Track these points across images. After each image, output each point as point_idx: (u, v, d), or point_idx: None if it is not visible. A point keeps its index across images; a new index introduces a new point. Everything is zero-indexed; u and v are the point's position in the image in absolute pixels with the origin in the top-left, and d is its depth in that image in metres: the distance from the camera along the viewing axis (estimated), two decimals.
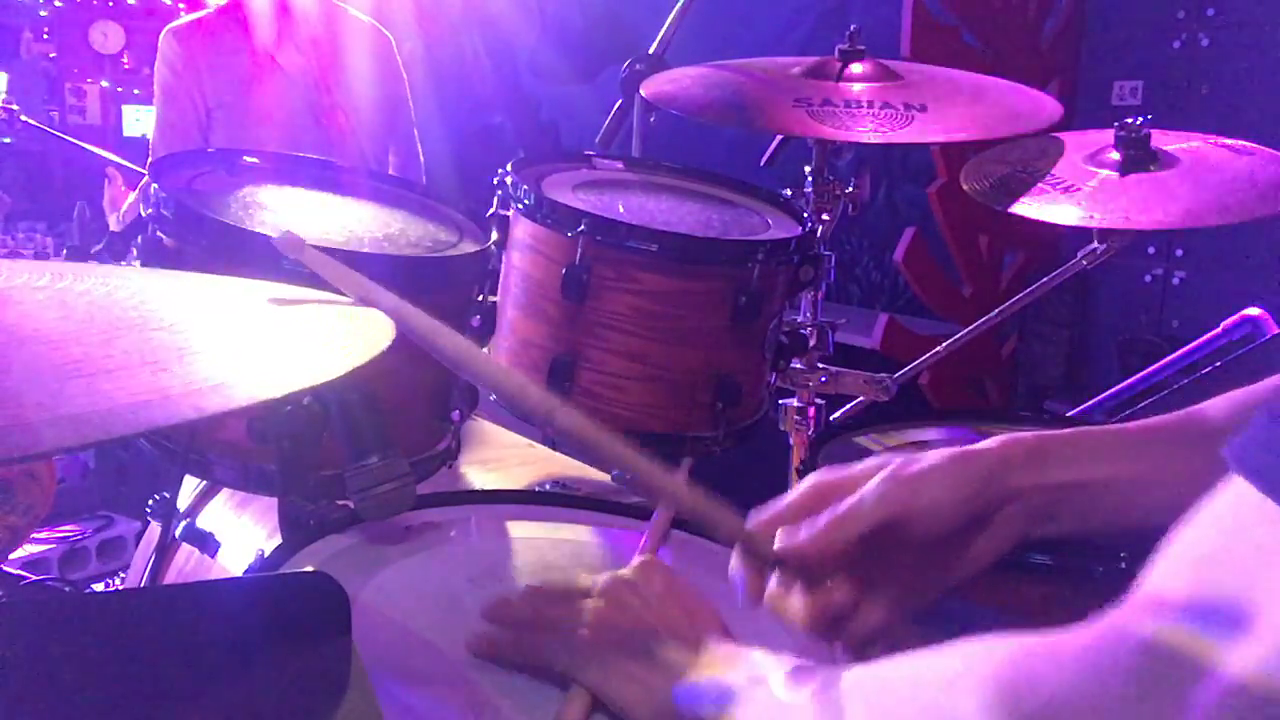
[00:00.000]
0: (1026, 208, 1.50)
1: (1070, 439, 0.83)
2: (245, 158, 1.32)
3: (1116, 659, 0.50)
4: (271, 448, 1.02)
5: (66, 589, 2.70)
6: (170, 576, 1.40)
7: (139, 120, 5.24)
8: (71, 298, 0.61)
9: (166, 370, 0.51)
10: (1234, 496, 0.50)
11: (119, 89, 5.25)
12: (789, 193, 1.55)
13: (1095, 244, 1.56)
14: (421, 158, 2.83)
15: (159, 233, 1.11)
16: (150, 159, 2.64)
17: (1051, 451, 0.81)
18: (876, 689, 0.64)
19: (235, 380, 0.51)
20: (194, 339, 0.58)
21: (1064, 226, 1.49)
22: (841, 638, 0.82)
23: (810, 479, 0.84)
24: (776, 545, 0.80)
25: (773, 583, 0.81)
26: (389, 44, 2.75)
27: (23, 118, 2.39)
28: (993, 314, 1.79)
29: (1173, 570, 0.52)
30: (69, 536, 2.93)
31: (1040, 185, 1.51)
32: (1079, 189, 1.48)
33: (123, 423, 0.44)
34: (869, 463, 0.83)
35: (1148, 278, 3.25)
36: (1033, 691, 0.53)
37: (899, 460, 0.81)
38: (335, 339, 0.63)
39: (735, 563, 0.82)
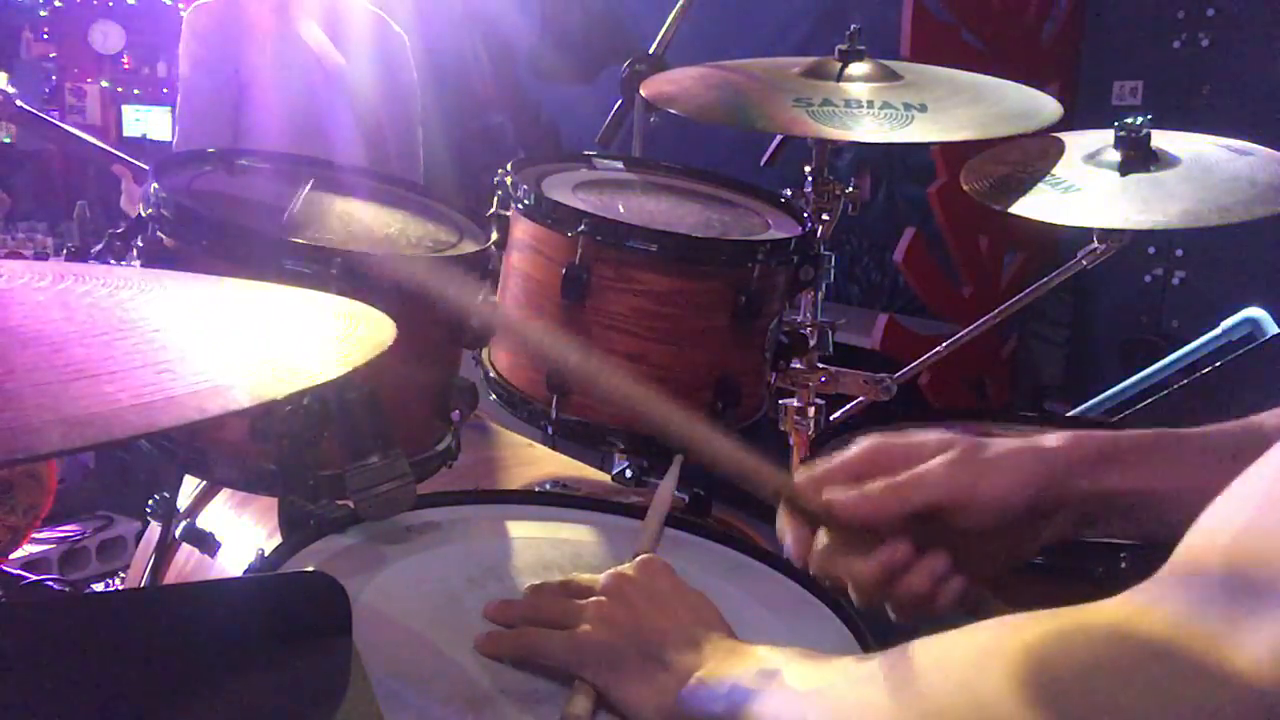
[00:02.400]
0: (1026, 208, 1.50)
1: (1137, 444, 0.81)
2: (245, 158, 1.32)
3: (1151, 630, 0.49)
4: (271, 448, 1.02)
5: (66, 589, 2.70)
6: (170, 576, 1.40)
7: (139, 120, 5.25)
8: (73, 299, 0.61)
9: (169, 371, 0.51)
10: (1273, 470, 0.49)
11: (119, 89, 5.25)
12: (789, 193, 1.55)
13: (1095, 244, 1.56)
14: (420, 160, 2.82)
15: (159, 233, 1.11)
16: (174, 139, 2.64)
17: (1117, 457, 0.79)
18: (902, 671, 0.62)
19: (238, 381, 0.51)
20: (196, 339, 0.58)
21: (1064, 226, 1.49)
22: (890, 598, 0.79)
23: (868, 442, 0.81)
24: (826, 500, 0.78)
25: (820, 540, 0.80)
26: (402, 40, 2.75)
27: (18, 103, 2.36)
28: (993, 314, 1.79)
29: (1208, 541, 0.50)
30: (69, 536, 2.92)
31: (1040, 185, 1.51)
32: (1079, 189, 1.48)
33: (126, 424, 0.44)
34: (930, 436, 0.80)
35: (1148, 278, 3.25)
36: (1065, 664, 0.52)
37: (966, 441, 0.79)
38: (337, 339, 0.62)
39: (781, 518, 0.80)
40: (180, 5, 5.11)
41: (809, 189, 1.59)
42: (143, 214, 1.13)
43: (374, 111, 2.67)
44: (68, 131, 2.43)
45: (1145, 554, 1.17)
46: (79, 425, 0.44)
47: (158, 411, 0.46)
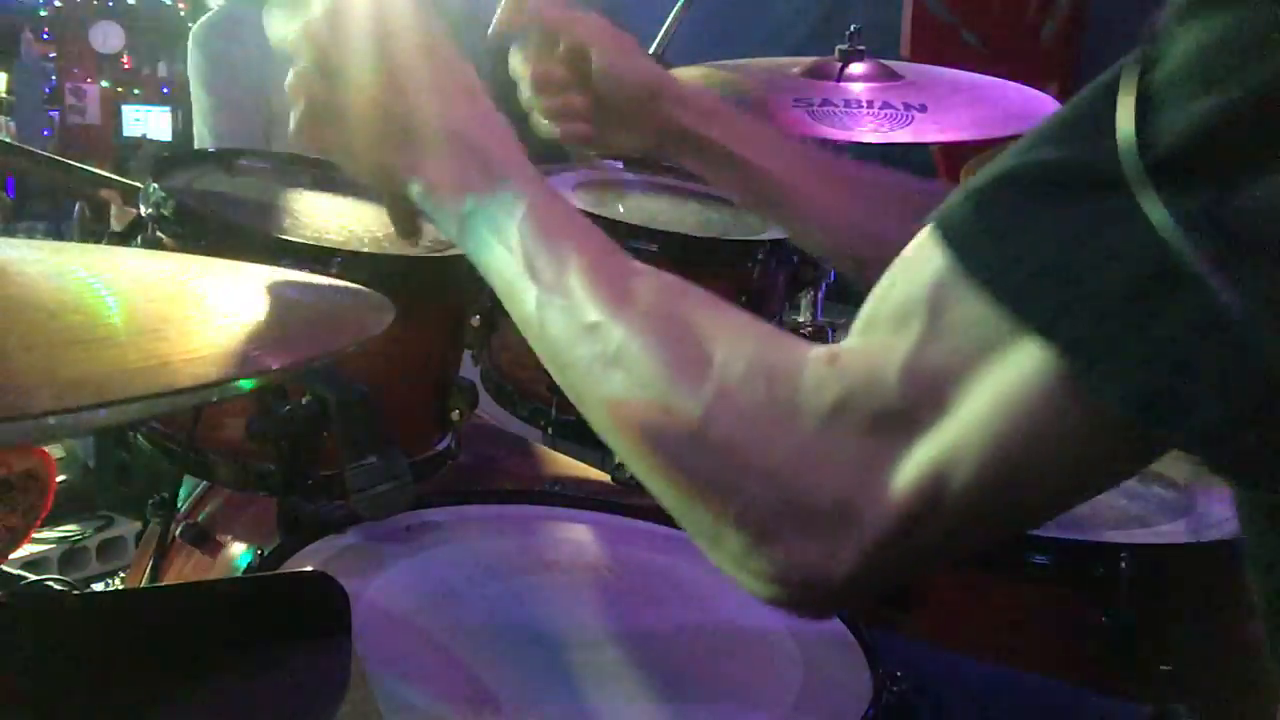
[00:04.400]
0: None
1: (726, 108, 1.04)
2: (245, 158, 1.32)
3: (824, 413, 0.51)
4: (271, 448, 1.02)
5: (66, 589, 2.70)
6: (170, 576, 1.40)
7: (139, 120, 5.24)
8: (69, 271, 0.60)
9: (165, 340, 0.50)
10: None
11: (119, 89, 5.25)
12: None
13: None
14: None
15: (159, 232, 1.11)
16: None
17: (702, 105, 1.02)
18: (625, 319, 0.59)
19: (236, 351, 0.51)
20: (193, 311, 0.57)
21: None
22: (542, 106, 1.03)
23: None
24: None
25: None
26: None
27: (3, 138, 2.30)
28: None
29: (886, 349, 0.52)
30: (69, 536, 2.92)
31: None
32: None
33: (120, 388, 0.43)
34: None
35: None
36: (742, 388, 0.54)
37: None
38: (333, 318, 0.62)
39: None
40: (180, 5, 5.11)
41: None
42: (142, 214, 1.13)
43: None
44: (49, 158, 2.35)
45: (1146, 554, 1.17)
46: (72, 387, 0.43)
47: (153, 376, 0.45)
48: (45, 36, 5.17)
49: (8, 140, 2.32)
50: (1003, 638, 1.15)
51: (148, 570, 1.42)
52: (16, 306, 0.52)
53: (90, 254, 0.65)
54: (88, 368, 0.45)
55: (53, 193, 4.78)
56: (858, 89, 1.51)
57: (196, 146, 2.52)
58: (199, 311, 0.57)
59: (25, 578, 2.47)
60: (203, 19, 2.51)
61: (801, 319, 1.54)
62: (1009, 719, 0.92)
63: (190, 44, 2.43)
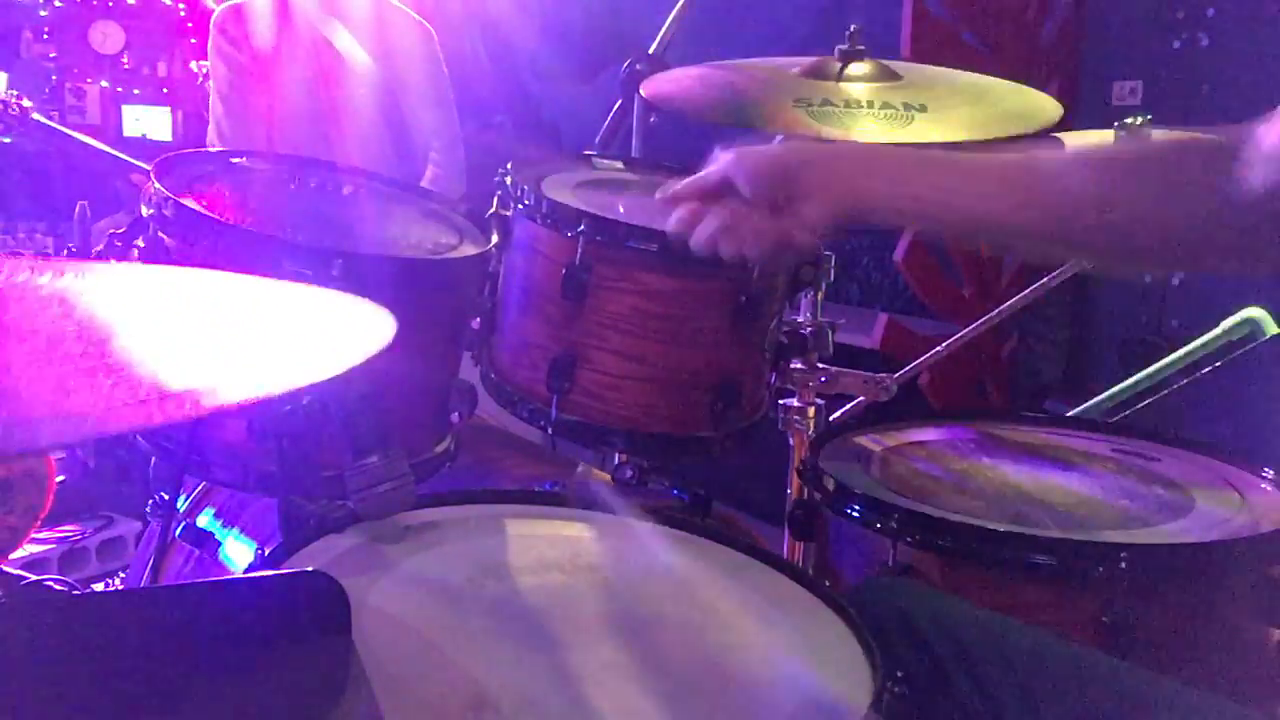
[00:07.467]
0: None
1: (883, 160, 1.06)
2: (245, 158, 1.32)
3: None
4: (271, 448, 1.02)
5: (66, 589, 2.70)
6: (170, 576, 1.40)
7: (139, 120, 5.24)
8: (72, 295, 0.61)
9: (166, 367, 0.51)
10: None
11: (119, 89, 5.25)
12: None
13: None
14: (461, 151, 2.79)
15: (160, 233, 1.11)
16: (212, 141, 2.62)
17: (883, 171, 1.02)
18: None
19: (235, 377, 0.51)
20: (193, 336, 0.58)
21: None
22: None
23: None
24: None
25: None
26: (428, 32, 2.73)
27: (35, 116, 2.31)
28: (993, 314, 1.79)
29: None
30: (69, 536, 2.92)
31: None
32: None
33: (122, 419, 0.44)
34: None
35: (1148, 278, 3.24)
36: None
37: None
38: (334, 337, 0.62)
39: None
40: (180, 5, 5.11)
41: None
42: (143, 214, 1.13)
43: (411, 109, 2.66)
44: (88, 144, 2.36)
45: (1146, 554, 1.17)
46: (75, 420, 0.43)
47: (153, 407, 0.46)
48: (45, 36, 5.17)
49: (39, 117, 2.32)
50: None
51: (148, 570, 1.42)
52: (19, 336, 0.53)
53: (91, 276, 0.65)
54: (90, 400, 0.46)
55: (46, 193, 4.78)
56: (858, 89, 1.51)
57: (210, 120, 2.57)
58: (199, 337, 0.58)
59: (25, 578, 2.47)
60: (225, 5, 2.58)
61: (801, 319, 1.54)
62: (1043, 682, 0.92)
63: (212, 26, 2.54)
